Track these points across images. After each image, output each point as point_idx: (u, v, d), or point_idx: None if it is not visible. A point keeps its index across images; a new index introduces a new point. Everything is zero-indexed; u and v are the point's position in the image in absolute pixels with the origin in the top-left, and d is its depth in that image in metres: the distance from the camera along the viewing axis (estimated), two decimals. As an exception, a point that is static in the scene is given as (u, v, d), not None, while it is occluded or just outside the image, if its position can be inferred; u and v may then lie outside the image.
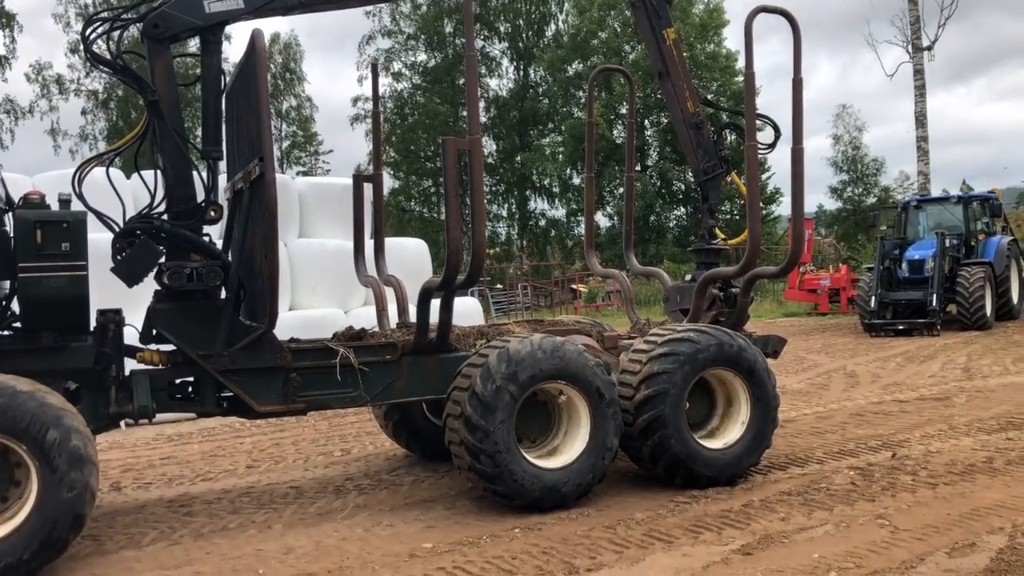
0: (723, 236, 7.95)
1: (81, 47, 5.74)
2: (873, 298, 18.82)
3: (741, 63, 39.95)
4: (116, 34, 5.86)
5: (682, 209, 45.34)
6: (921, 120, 28.24)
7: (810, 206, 43.28)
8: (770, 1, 7.05)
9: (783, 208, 41.35)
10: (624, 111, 41.94)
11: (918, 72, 28.25)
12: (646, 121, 42.92)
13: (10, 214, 5.49)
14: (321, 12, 6.23)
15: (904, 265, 19.53)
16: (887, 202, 37.67)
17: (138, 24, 5.82)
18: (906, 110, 26.37)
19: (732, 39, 43.28)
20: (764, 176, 39.82)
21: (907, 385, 11.42)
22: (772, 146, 7.83)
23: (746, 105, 6.88)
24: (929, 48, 28.31)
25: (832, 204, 44.55)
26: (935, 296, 18.26)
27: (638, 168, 41.95)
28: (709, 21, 43.32)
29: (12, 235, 5.34)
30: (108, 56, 5.80)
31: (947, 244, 19.29)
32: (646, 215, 42.09)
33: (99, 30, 5.82)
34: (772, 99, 49.72)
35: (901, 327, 18.43)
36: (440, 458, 7.22)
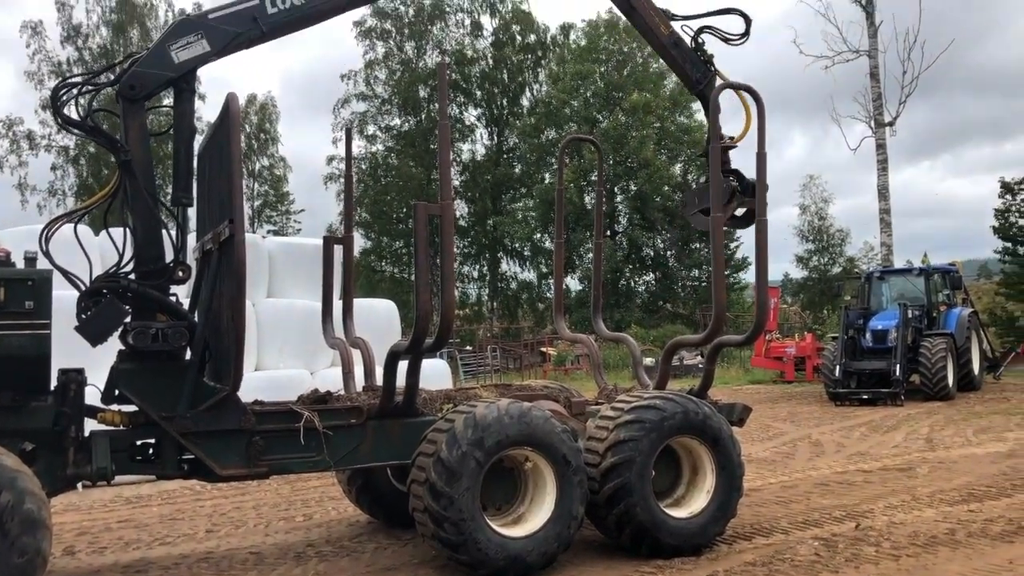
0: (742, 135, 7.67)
1: (51, 112, 5.72)
2: (838, 367, 19.01)
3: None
4: (87, 96, 5.90)
5: (650, 275, 45.78)
6: (884, 193, 28.94)
7: (776, 274, 43.97)
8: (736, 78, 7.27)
9: (751, 275, 41.90)
10: (594, 177, 42.57)
11: (880, 147, 29.03)
12: (615, 188, 43.57)
13: (-26, 271, 5.44)
14: (281, 38, 6.16)
15: (868, 335, 19.80)
16: (852, 272, 38.35)
17: (110, 87, 5.87)
18: (872, 183, 27.20)
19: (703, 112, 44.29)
20: (732, 244, 40.39)
21: (871, 455, 11.49)
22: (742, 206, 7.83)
23: (711, 177, 7.03)
24: (891, 124, 29.16)
25: (798, 273, 45.30)
26: (898, 366, 18.49)
27: (607, 234, 42.43)
28: (681, 95, 44.36)
29: (-24, 293, 5.29)
30: (78, 117, 5.82)
31: (910, 315, 19.62)
32: (615, 280, 42.44)
33: (70, 93, 5.84)
34: (741, 170, 50.71)
35: (865, 396, 18.60)
36: (404, 525, 7.13)
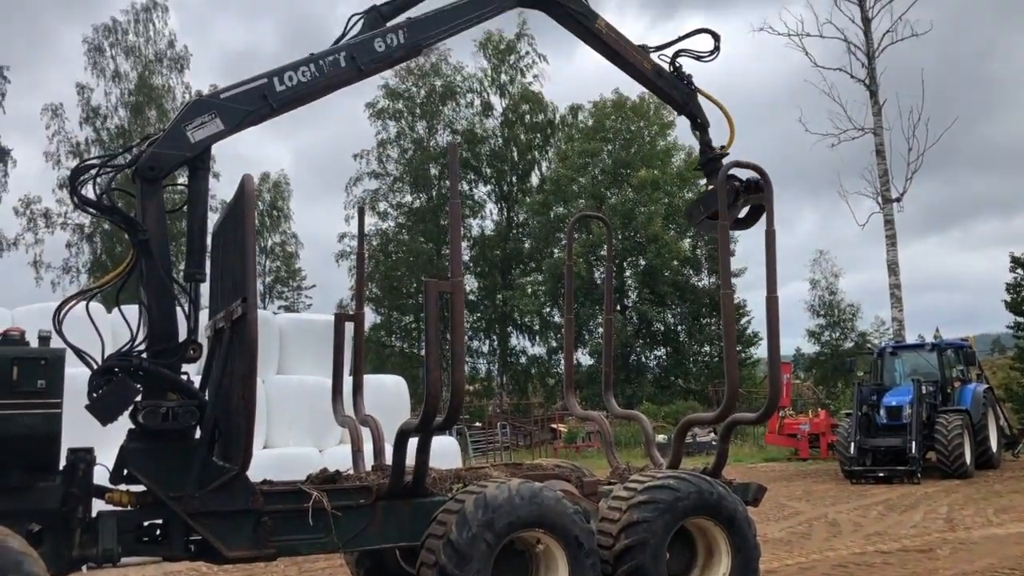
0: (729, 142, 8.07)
1: (68, 192, 5.81)
2: (852, 444, 18.75)
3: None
4: (103, 177, 5.98)
5: (661, 350, 45.61)
6: (893, 268, 28.96)
7: (788, 349, 43.69)
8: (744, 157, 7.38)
9: (762, 350, 41.73)
10: (603, 252, 42.82)
11: (888, 222, 29.17)
12: (624, 263, 43.77)
13: (-12, 349, 5.47)
14: (291, 112, 6.26)
15: (882, 411, 19.58)
16: (864, 347, 38.12)
17: (127, 168, 5.96)
18: (881, 257, 27.34)
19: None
20: (742, 320, 40.34)
21: (889, 535, 11.24)
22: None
23: (720, 256, 7.08)
24: (898, 200, 29.36)
25: (810, 348, 45.02)
26: (914, 443, 18.22)
27: (617, 309, 42.44)
28: (688, 171, 44.91)
29: (-11, 372, 5.30)
30: (94, 197, 5.89)
31: (924, 391, 19.41)
32: (625, 355, 42.28)
33: (88, 175, 5.94)
34: (750, 246, 50.92)
35: (882, 474, 18.30)
36: (413, 608, 6.96)
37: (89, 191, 5.94)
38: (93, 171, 5.95)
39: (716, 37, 7.94)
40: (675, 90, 7.89)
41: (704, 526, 6.48)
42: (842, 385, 36.60)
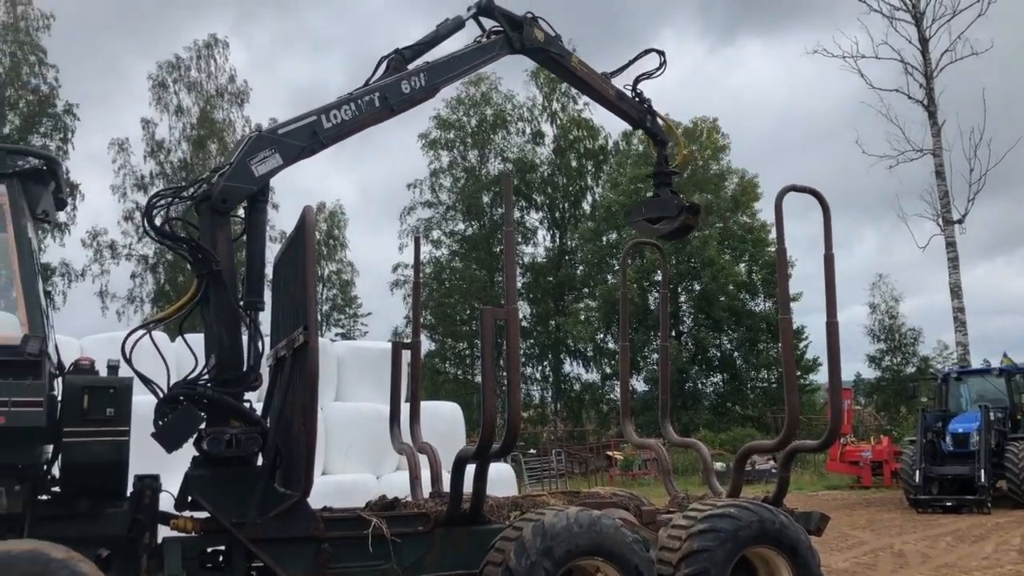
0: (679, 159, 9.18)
1: (143, 222, 6.02)
2: (918, 472, 18.25)
3: (774, 235, 40.79)
4: (173, 208, 6.17)
5: (718, 376, 45.02)
6: (956, 291, 28.25)
7: (848, 375, 42.80)
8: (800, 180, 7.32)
9: (821, 376, 40.94)
10: (657, 277, 42.55)
11: (950, 244, 28.52)
12: (679, 288, 43.40)
13: (60, 379, 5.66)
14: (349, 143, 6.67)
15: (948, 438, 19.03)
16: (927, 373, 37.17)
17: (197, 200, 6.13)
18: (943, 281, 26.74)
19: (767, 211, 44.31)
20: (801, 345, 39.63)
21: (959, 567, 10.89)
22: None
23: (779, 280, 7.01)
24: (959, 222, 28.70)
25: (870, 373, 44.05)
26: (983, 472, 17.66)
27: (672, 335, 42.07)
28: (742, 195, 44.50)
29: (60, 399, 5.48)
30: (167, 229, 6.08)
31: (992, 417, 18.83)
32: (681, 381, 41.81)
33: (160, 205, 6.13)
34: (809, 271, 50.21)
35: (949, 503, 17.75)
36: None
37: (158, 222, 6.13)
38: (165, 202, 6.13)
39: (661, 54, 8.67)
40: (633, 110, 8.60)
41: (766, 556, 6.37)
42: (904, 411, 35.69)
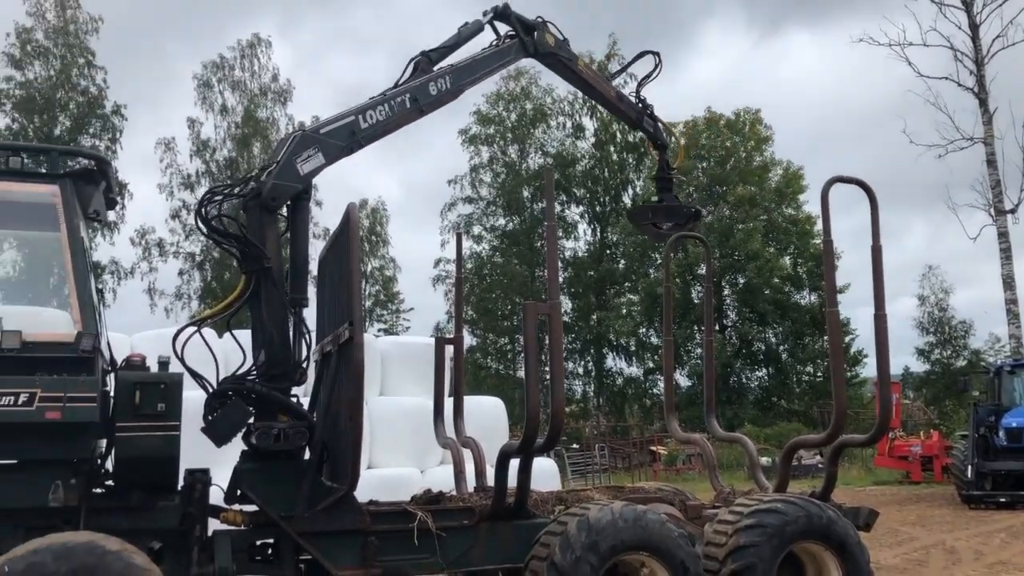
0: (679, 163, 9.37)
1: (195, 219, 6.13)
2: (970, 468, 17.89)
3: (819, 227, 40.16)
4: (223, 206, 6.26)
5: (763, 370, 44.54)
6: (1009, 283, 27.61)
7: (897, 368, 42.12)
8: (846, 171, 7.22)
9: (869, 370, 40.32)
10: (700, 271, 42.19)
11: (1002, 235, 27.87)
12: (722, 282, 43.00)
13: (112, 375, 5.78)
14: (379, 141, 6.81)
15: (1001, 433, 18.60)
16: (978, 366, 36.37)
17: (248, 197, 6.20)
18: (995, 272, 26.12)
19: (812, 203, 43.68)
20: (848, 338, 39.06)
21: (1015, 564, 10.66)
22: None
23: (825, 272, 6.92)
24: (1012, 211, 28.02)
25: (919, 366, 43.27)
26: (1038, 467, 17.27)
27: (716, 329, 41.70)
28: (786, 187, 43.93)
29: (112, 395, 5.60)
30: (219, 225, 6.16)
31: (1047, 411, 18.40)
32: (725, 375, 41.42)
33: (213, 202, 6.21)
34: (856, 263, 49.39)
35: (1003, 499, 17.38)
36: (516, 630, 6.96)
37: (210, 219, 6.21)
38: (218, 199, 6.22)
39: (656, 55, 8.96)
40: (631, 110, 8.83)
41: (814, 551, 6.30)
42: (954, 405, 35.00)
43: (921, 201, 63.26)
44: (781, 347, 43.94)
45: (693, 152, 45.20)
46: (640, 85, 8.88)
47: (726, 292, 43.75)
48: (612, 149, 49.05)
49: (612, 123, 48.46)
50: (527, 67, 47.11)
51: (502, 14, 7.58)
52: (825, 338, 39.85)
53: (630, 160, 49.27)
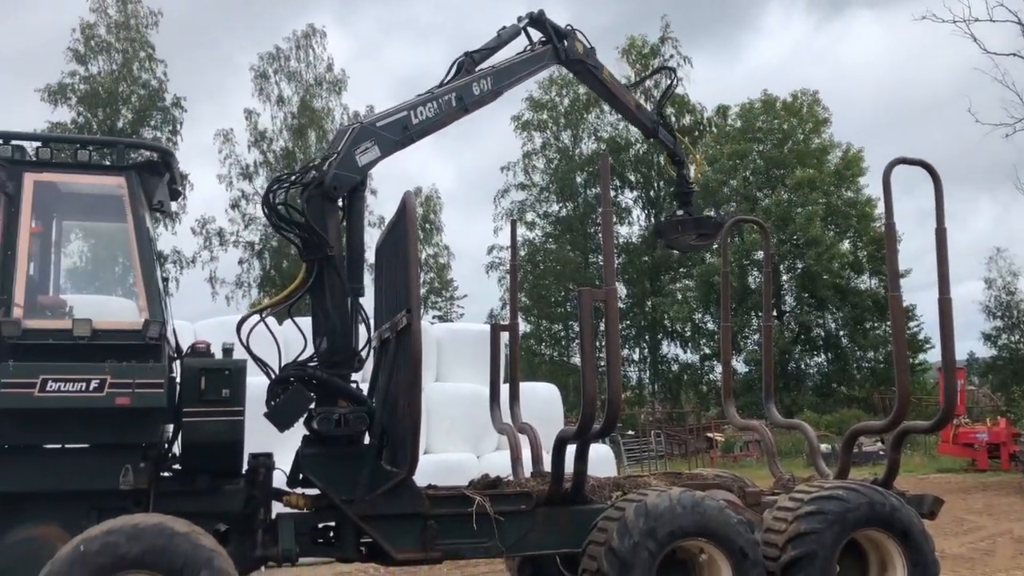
0: (697, 176, 9.32)
1: (264, 208, 6.24)
2: (1039, 455, 17.41)
3: (880, 209, 39.29)
4: (286, 194, 6.35)
5: (822, 356, 43.82)
6: (1080, 265, 26.74)
7: (962, 354, 41.07)
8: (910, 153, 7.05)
9: (933, 356, 39.42)
10: (756, 256, 41.60)
11: (1073, 215, 26.97)
12: (780, 267, 42.32)
13: (178, 361, 5.93)
14: (432, 135, 7.00)
15: (1072, 420, 18.09)
16: (1048, 351, 35.32)
17: (312, 185, 6.27)
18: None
19: (872, 186, 42.73)
20: (911, 323, 38.20)
21: (1086, 554, 10.37)
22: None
23: (887, 256, 6.79)
24: (1084, 191, 27.08)
25: (985, 352, 42.14)
26: (1111, 455, 16.74)
27: (774, 315, 41.13)
28: (846, 169, 43.02)
29: (179, 381, 5.74)
30: (284, 214, 6.26)
31: (1121, 397, 17.81)
32: (783, 362, 40.85)
33: (279, 190, 6.30)
34: (919, 246, 48.25)
35: (1074, 488, 16.90)
36: (574, 615, 6.99)
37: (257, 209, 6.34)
38: (285, 186, 6.32)
39: (672, 71, 10.27)
40: (648, 120, 8.93)
41: (876, 539, 6.21)
42: (1022, 392, 34.03)
43: (987, 182, 61.55)
44: (840, 333, 43.17)
45: (749, 135, 44.53)
46: (660, 102, 9.51)
47: (784, 277, 43.07)
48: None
49: (666, 106, 47.99)
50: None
51: (537, 20, 7.78)
52: (887, 323, 39.10)
53: (684, 144, 48.72)
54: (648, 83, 36.86)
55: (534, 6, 7.97)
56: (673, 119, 47.79)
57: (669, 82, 9.55)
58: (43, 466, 5.49)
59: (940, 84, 63.82)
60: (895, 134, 64.33)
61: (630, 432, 33.91)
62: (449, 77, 7.24)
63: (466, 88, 7.09)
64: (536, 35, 7.80)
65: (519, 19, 7.76)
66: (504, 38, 7.63)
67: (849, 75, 68.87)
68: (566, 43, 7.84)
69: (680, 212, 8.63)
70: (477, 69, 7.32)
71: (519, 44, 7.79)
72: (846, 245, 42.19)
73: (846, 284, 41.87)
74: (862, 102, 68.39)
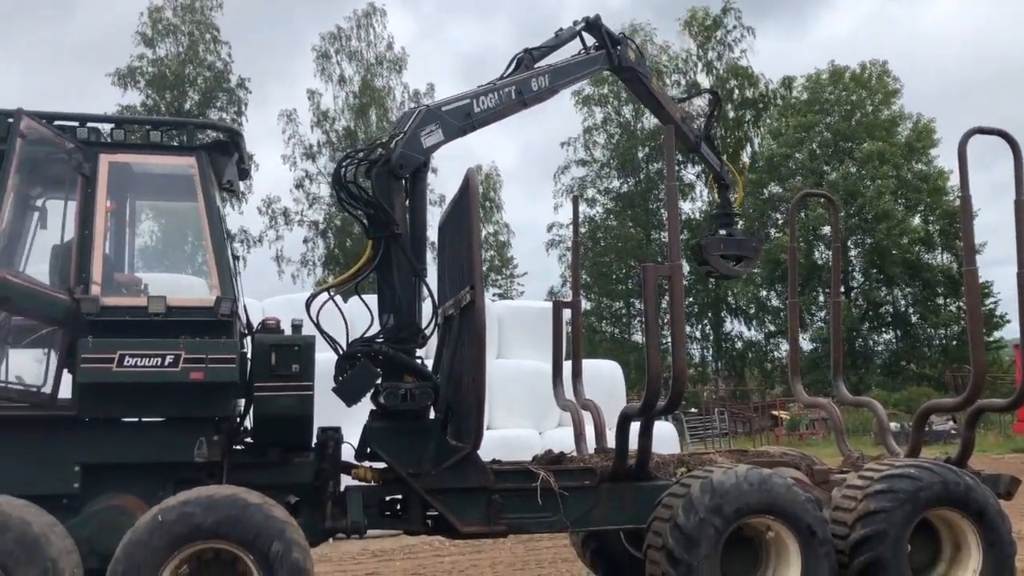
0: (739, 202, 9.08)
1: (334, 185, 6.35)
2: (1122, 435, 16.82)
3: (953, 182, 38.12)
4: (355, 171, 6.42)
5: (890, 333, 42.85)
6: None
7: (1039, 330, 39.68)
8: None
9: (1010, 332, 38.22)
10: (823, 231, 40.77)
11: None
12: (848, 242, 41.41)
13: (249, 337, 6.06)
14: (491, 125, 7.09)
15: None
16: None
17: (378, 163, 6.32)
18: None
19: (944, 158, 41.39)
20: (986, 299, 37.06)
21: None
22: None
23: (963, 230, 6.59)
24: None
25: (1065, 328, 40.68)
26: None
27: (842, 291, 40.32)
28: (917, 141, 41.77)
29: (250, 357, 5.87)
30: (354, 191, 6.33)
31: None
32: (850, 339, 40.05)
33: (349, 166, 6.38)
34: (994, 220, 46.73)
35: None
36: (639, 590, 7.00)
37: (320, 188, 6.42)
38: (355, 162, 6.39)
39: (715, 94, 9.46)
40: (691, 134, 8.87)
41: (950, 518, 6.08)
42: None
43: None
44: (910, 309, 42.12)
45: (816, 107, 43.45)
46: (707, 124, 9.15)
47: (852, 253, 42.14)
48: (729, 106, 47.72)
49: (729, 79, 47.15)
50: (642, 23, 46.31)
51: (593, 25, 7.91)
52: (960, 300, 38.00)
53: (748, 116, 47.77)
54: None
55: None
56: (736, 92, 47.08)
57: (712, 107, 9.39)
58: (122, 439, 5.67)
59: (1018, 52, 61.42)
60: (969, 105, 62.24)
61: (693, 410, 33.72)
62: (509, 71, 7.39)
63: (525, 83, 7.23)
64: (589, 40, 7.97)
65: (575, 23, 7.95)
66: (563, 38, 7.83)
67: (922, 44, 66.65)
68: (619, 49, 7.97)
69: (722, 231, 8.51)
70: (535, 66, 7.48)
71: (574, 46, 8.00)
72: (917, 220, 41.06)
73: (917, 259, 40.80)
74: (935, 72, 66.22)
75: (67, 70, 58.01)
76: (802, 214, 39.65)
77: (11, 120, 5.56)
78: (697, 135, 8.86)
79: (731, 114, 47.60)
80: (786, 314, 9.30)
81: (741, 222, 8.96)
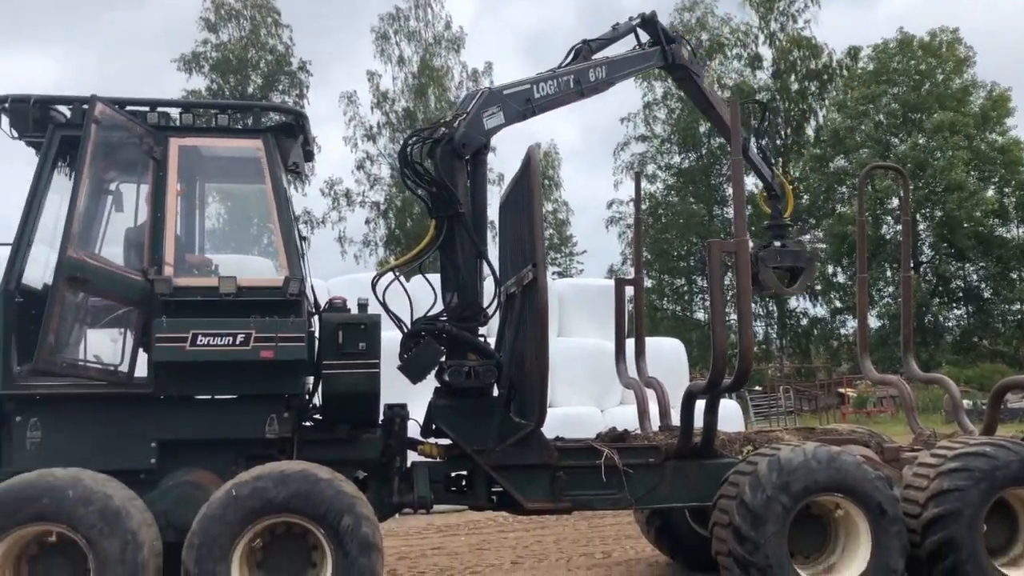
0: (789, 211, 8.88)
1: (400, 163, 6.40)
2: None
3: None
4: (419, 150, 6.47)
5: (962, 309, 41.66)
6: None
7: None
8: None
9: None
10: (891, 204, 39.71)
11: None
12: (918, 215, 40.30)
13: (317, 316, 6.17)
14: (550, 111, 7.14)
15: None
16: None
17: (442, 142, 6.36)
18: None
19: (1022, 128, 39.93)
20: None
21: None
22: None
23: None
24: None
25: None
26: None
27: (911, 266, 39.30)
28: (991, 111, 40.30)
29: (318, 336, 5.98)
30: (419, 170, 6.39)
31: None
32: (920, 315, 39.02)
33: (415, 145, 6.43)
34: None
35: None
36: (704, 568, 6.99)
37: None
38: (421, 141, 6.44)
39: (763, 105, 9.48)
40: (740, 137, 8.55)
41: (1028, 499, 5.91)
42: None
43: None
44: (983, 284, 40.88)
45: (883, 77, 42.23)
46: (758, 134, 9.20)
47: (922, 226, 41.00)
48: (792, 78, 46.66)
49: (792, 50, 46.12)
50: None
51: (648, 21, 7.93)
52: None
53: (812, 88, 46.67)
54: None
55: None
56: (799, 63, 46.02)
57: (763, 118, 9.34)
58: (196, 416, 5.82)
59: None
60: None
61: (757, 388, 33.34)
62: (567, 60, 7.42)
63: (583, 73, 7.26)
64: (644, 36, 7.98)
65: (631, 18, 7.99)
66: (620, 32, 7.86)
67: (997, 10, 63.99)
68: (673, 47, 8.00)
69: (776, 243, 8.34)
70: (593, 57, 7.50)
71: (629, 41, 8.02)
72: (991, 192, 39.73)
73: (990, 233, 39.53)
74: (1011, 40, 63.62)
75: (135, 57, 59.40)
76: (868, 187, 38.68)
77: (86, 106, 5.71)
78: (746, 139, 8.76)
79: (795, 86, 46.58)
80: (853, 290, 9.09)
81: (792, 232, 8.81)
